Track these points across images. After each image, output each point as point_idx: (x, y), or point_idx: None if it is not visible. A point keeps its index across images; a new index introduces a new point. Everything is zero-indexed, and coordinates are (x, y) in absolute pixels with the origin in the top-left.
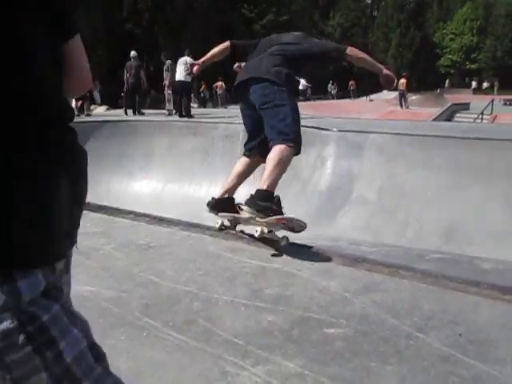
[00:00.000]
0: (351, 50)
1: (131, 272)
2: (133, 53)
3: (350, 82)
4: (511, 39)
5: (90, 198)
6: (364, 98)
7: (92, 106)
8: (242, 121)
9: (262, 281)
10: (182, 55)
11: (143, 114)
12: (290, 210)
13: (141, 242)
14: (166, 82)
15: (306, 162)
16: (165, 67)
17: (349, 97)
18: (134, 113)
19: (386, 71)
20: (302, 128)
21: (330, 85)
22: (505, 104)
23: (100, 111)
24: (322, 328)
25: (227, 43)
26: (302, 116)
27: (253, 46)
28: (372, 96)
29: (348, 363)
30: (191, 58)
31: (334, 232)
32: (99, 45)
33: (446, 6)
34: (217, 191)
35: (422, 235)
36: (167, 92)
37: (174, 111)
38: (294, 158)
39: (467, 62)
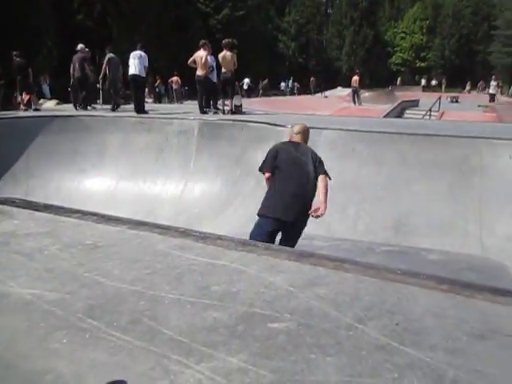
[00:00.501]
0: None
1: (76, 273)
2: (80, 45)
3: (312, 78)
4: (458, 39)
5: (40, 196)
6: (319, 95)
7: (41, 101)
8: (196, 116)
9: (210, 278)
10: (135, 49)
11: (94, 108)
12: (245, 205)
13: (87, 242)
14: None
15: (260, 158)
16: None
17: (309, 93)
18: (85, 107)
19: (323, 205)
20: (256, 124)
21: (282, 83)
22: (451, 101)
23: (49, 105)
24: (266, 323)
25: (269, 175)
26: (256, 112)
27: (274, 158)
28: (326, 92)
29: (290, 356)
30: (144, 51)
31: None
32: (49, 36)
33: (397, 5)
34: (172, 188)
35: (373, 228)
36: (100, 86)
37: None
38: (249, 153)
39: (417, 61)
